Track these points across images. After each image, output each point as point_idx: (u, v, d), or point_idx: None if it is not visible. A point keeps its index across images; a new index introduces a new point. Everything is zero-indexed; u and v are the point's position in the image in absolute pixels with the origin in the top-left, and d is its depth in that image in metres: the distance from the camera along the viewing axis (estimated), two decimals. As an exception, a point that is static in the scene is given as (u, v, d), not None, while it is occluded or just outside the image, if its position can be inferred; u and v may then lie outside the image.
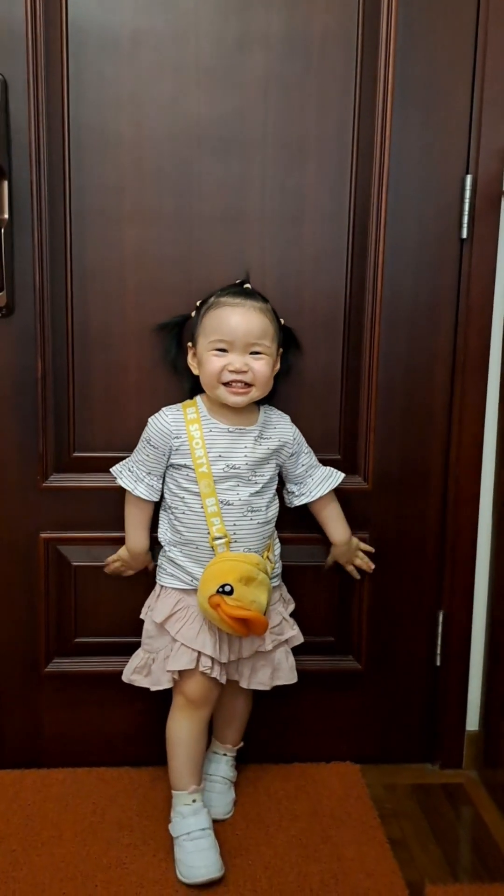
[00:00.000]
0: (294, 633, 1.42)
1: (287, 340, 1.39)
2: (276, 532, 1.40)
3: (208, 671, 1.31)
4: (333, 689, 1.57)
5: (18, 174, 1.32)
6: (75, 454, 1.43)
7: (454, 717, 1.58)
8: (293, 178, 1.38)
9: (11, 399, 1.41)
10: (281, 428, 1.37)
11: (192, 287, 1.37)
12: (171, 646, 1.32)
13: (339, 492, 1.48)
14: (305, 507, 1.43)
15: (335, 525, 1.44)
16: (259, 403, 1.37)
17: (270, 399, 1.39)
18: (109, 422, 1.41)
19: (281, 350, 1.35)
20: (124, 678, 1.40)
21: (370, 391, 1.46)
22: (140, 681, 1.38)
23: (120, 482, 1.35)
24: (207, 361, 1.28)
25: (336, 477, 1.42)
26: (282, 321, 1.34)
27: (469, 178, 1.40)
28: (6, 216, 1.32)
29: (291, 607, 1.45)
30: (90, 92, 1.33)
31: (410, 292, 1.43)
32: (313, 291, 1.42)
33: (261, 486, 1.33)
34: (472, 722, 1.59)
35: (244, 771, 1.51)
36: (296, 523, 1.46)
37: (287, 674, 1.40)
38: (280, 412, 1.40)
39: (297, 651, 1.51)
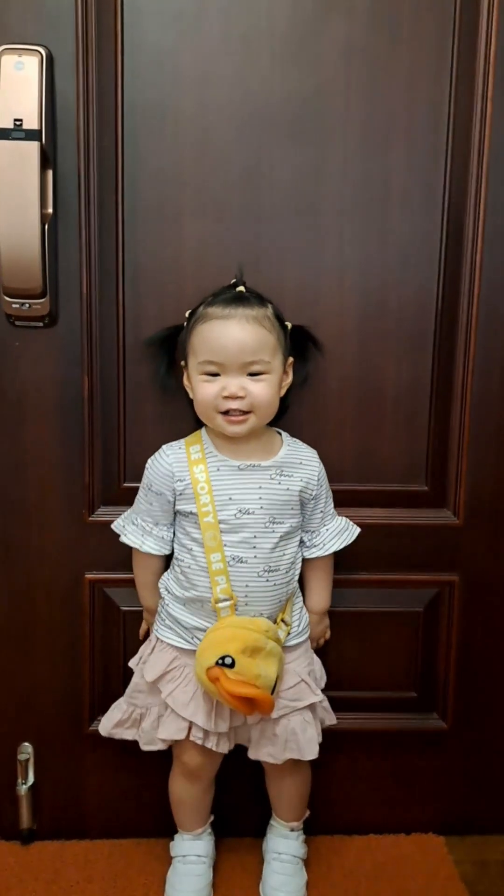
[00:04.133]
0: (319, 699, 1.20)
1: (302, 343, 1.20)
2: (297, 588, 1.22)
3: (200, 741, 1.17)
4: (414, 751, 1.40)
5: (64, 162, 1.18)
6: (126, 484, 1.27)
7: (553, 784, 1.40)
8: (378, 164, 1.22)
9: (54, 421, 1.25)
10: (308, 465, 1.18)
11: (260, 290, 1.19)
12: (164, 708, 1.18)
13: (423, 528, 1.32)
14: (379, 538, 1.28)
15: (321, 590, 1.25)
16: (280, 431, 1.19)
17: (283, 416, 1.19)
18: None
19: (291, 360, 1.16)
20: (103, 732, 1.25)
21: (463, 411, 1.28)
22: (122, 733, 1.24)
23: (125, 540, 1.18)
24: (198, 387, 1.10)
25: (352, 531, 1.24)
26: (288, 325, 1.15)
27: None
28: (50, 210, 1.17)
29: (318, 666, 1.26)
30: (147, 68, 1.18)
31: (512, 296, 1.26)
32: (399, 294, 1.25)
33: (280, 536, 1.14)
34: None
35: (313, 843, 1.34)
36: (371, 563, 1.30)
37: (304, 747, 1.18)
38: (307, 446, 1.20)
39: (374, 709, 1.37)
